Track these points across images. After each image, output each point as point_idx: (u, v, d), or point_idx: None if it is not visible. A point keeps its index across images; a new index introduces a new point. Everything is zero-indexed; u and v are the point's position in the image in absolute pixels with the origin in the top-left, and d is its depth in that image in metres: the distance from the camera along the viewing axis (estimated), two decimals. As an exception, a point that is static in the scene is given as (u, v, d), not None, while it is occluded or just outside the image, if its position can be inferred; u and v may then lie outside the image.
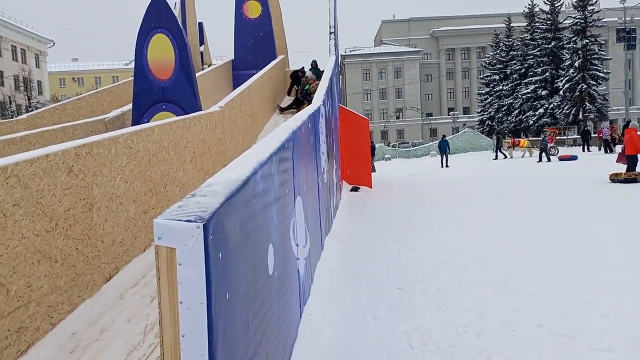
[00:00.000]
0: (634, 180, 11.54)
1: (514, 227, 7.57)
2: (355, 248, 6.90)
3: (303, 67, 15.84)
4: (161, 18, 7.54)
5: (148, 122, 7.32)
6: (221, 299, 1.66)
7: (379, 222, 8.77)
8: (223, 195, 1.80)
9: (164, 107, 7.53)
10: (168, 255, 1.53)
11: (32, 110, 36.61)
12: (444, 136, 26.64)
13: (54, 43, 54.42)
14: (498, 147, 27.12)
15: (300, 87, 14.68)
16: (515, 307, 4.29)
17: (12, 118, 33.76)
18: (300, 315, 3.85)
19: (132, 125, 7.38)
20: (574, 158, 21.18)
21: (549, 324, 3.88)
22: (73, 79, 69.52)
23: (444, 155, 23.50)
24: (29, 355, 3.08)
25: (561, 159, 21.60)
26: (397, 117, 70.39)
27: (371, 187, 13.15)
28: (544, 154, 22.41)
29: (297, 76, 15.17)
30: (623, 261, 5.36)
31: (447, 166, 22.47)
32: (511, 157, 26.05)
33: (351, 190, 12.91)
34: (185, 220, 1.53)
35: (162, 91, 7.56)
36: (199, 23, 17.17)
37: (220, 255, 1.66)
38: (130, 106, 7.97)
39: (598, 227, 7.16)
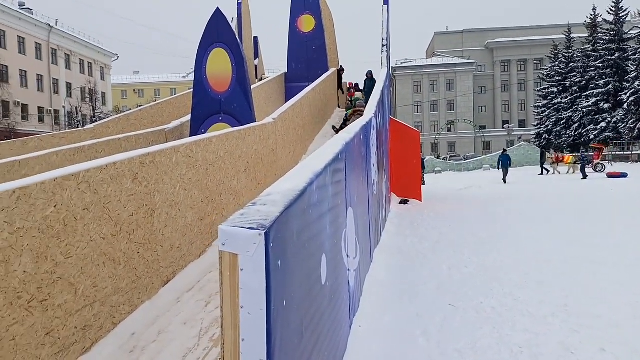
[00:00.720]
0: None
1: (574, 244, 7.23)
2: (405, 261, 6.82)
3: (341, 66, 15.97)
4: (220, 33, 7.83)
5: (205, 132, 7.59)
6: (279, 305, 1.70)
7: (428, 236, 8.62)
8: (282, 205, 1.86)
9: (220, 118, 7.79)
10: (231, 260, 1.59)
11: (96, 120, 38.77)
12: (505, 150, 24.54)
13: (118, 57, 57.49)
14: (542, 162, 26.08)
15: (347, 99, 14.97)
16: (575, 329, 4.10)
17: (78, 127, 35.88)
18: (350, 327, 3.85)
19: (190, 136, 7.68)
20: (623, 175, 20.07)
21: (613, 348, 3.69)
22: (134, 90, 73.07)
23: (505, 170, 21.52)
24: (92, 352, 3.25)
25: (609, 175, 20.56)
26: (449, 130, 69.15)
27: (421, 200, 12.97)
28: (585, 169, 21.65)
29: (339, 76, 15.42)
30: (696, 286, 5.00)
31: (504, 181, 20.76)
32: (554, 173, 24.94)
33: (400, 202, 12.78)
34: (248, 228, 1.59)
35: (219, 103, 7.83)
36: (254, 37, 17.67)
37: (279, 262, 1.71)
38: (188, 117, 8.30)
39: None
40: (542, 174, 25.18)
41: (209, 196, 5.09)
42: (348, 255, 3.89)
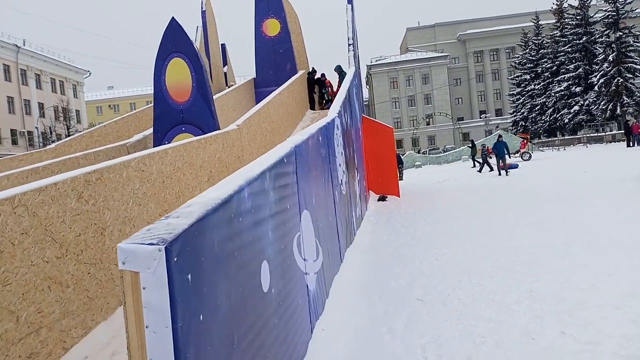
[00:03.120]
0: (675, 175, 10.99)
1: (545, 231, 7.28)
2: (378, 259, 6.80)
3: (314, 68, 15.94)
4: (177, 42, 7.73)
5: (169, 144, 7.47)
6: (192, 321, 1.64)
7: (404, 232, 8.63)
8: (196, 216, 1.80)
9: (183, 129, 7.69)
10: (132, 279, 1.53)
11: (71, 139, 38.08)
12: (500, 137, 21.51)
13: (90, 73, 56.71)
14: (473, 155, 25.60)
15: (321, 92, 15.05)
16: (539, 315, 4.10)
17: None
18: (312, 331, 3.80)
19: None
20: (514, 166, 20.95)
21: (573, 330, 3.70)
22: (109, 106, 72.16)
23: (501, 160, 19.00)
24: (43, 379, 3.14)
25: (502, 168, 21.32)
26: (427, 124, 69.64)
27: (399, 196, 13.01)
28: (486, 162, 22.09)
29: (312, 80, 15.38)
30: (657, 262, 5.05)
31: (507, 173, 18.30)
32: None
33: (378, 200, 12.81)
34: (147, 244, 1.53)
35: (181, 113, 7.73)
36: (221, 45, 17.54)
37: (189, 277, 1.65)
38: (151, 130, 8.17)
39: (634, 227, 6.79)
40: (474, 166, 24.22)
41: (168, 209, 5.00)
42: (305, 259, 3.84)
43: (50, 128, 44.46)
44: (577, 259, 5.61)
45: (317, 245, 4.39)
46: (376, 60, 74.38)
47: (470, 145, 26.72)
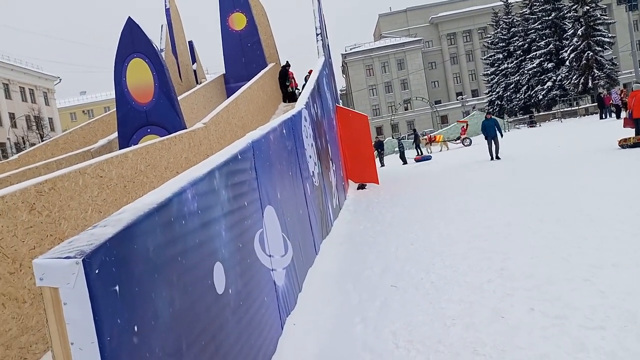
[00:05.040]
0: (645, 144, 11.17)
1: (519, 207, 7.32)
2: (354, 248, 6.78)
3: (287, 62, 15.80)
4: (135, 43, 7.55)
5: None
6: (123, 334, 1.58)
7: (381, 219, 8.62)
8: (124, 224, 1.73)
9: (148, 130, 7.54)
10: (52, 295, 1.46)
11: (44, 148, 37.18)
12: (489, 114, 17.10)
13: (60, 79, 55.51)
14: (417, 145, 25.33)
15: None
16: (509, 293, 4.12)
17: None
18: (282, 327, 3.76)
19: (117, 153, 7.37)
20: (427, 158, 21.51)
21: (541, 306, 3.72)
22: (83, 111, 70.72)
23: (493, 142, 15.20)
24: (4, 399, 3.05)
25: (417, 160, 21.81)
26: (405, 109, 69.82)
27: (378, 183, 13.02)
28: (404, 155, 22.55)
29: (286, 73, 15.20)
30: (624, 232, 5.12)
31: (497, 157, 15.04)
32: (430, 153, 24.32)
33: (358, 188, 12.79)
34: (64, 257, 1.45)
35: (145, 115, 7.57)
36: (188, 42, 17.27)
37: (116, 288, 1.58)
38: (116, 134, 8.00)
39: (604, 199, 6.87)
40: (419, 154, 23.24)
41: (132, 214, 4.89)
42: (271, 255, 3.79)
43: (23, 138, 43.45)
44: (548, 234, 5.65)
45: (285, 240, 4.34)
46: (351, 49, 74.12)
47: (414, 136, 26.42)
